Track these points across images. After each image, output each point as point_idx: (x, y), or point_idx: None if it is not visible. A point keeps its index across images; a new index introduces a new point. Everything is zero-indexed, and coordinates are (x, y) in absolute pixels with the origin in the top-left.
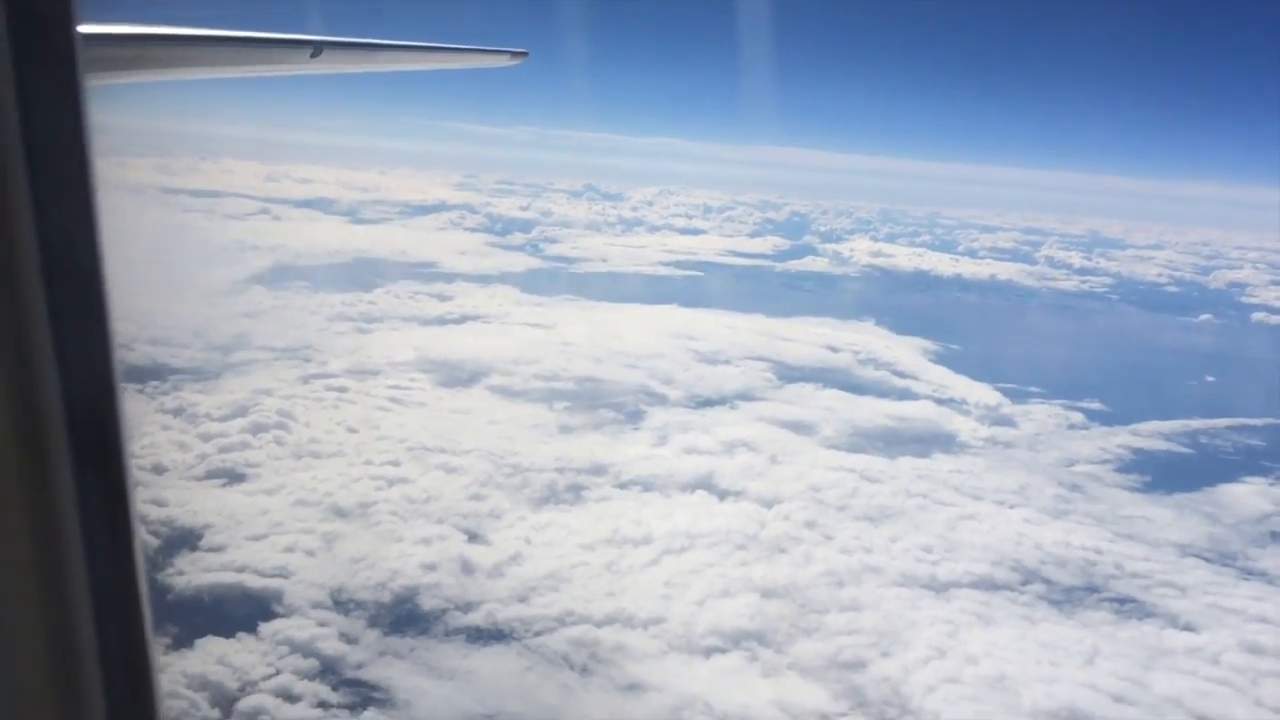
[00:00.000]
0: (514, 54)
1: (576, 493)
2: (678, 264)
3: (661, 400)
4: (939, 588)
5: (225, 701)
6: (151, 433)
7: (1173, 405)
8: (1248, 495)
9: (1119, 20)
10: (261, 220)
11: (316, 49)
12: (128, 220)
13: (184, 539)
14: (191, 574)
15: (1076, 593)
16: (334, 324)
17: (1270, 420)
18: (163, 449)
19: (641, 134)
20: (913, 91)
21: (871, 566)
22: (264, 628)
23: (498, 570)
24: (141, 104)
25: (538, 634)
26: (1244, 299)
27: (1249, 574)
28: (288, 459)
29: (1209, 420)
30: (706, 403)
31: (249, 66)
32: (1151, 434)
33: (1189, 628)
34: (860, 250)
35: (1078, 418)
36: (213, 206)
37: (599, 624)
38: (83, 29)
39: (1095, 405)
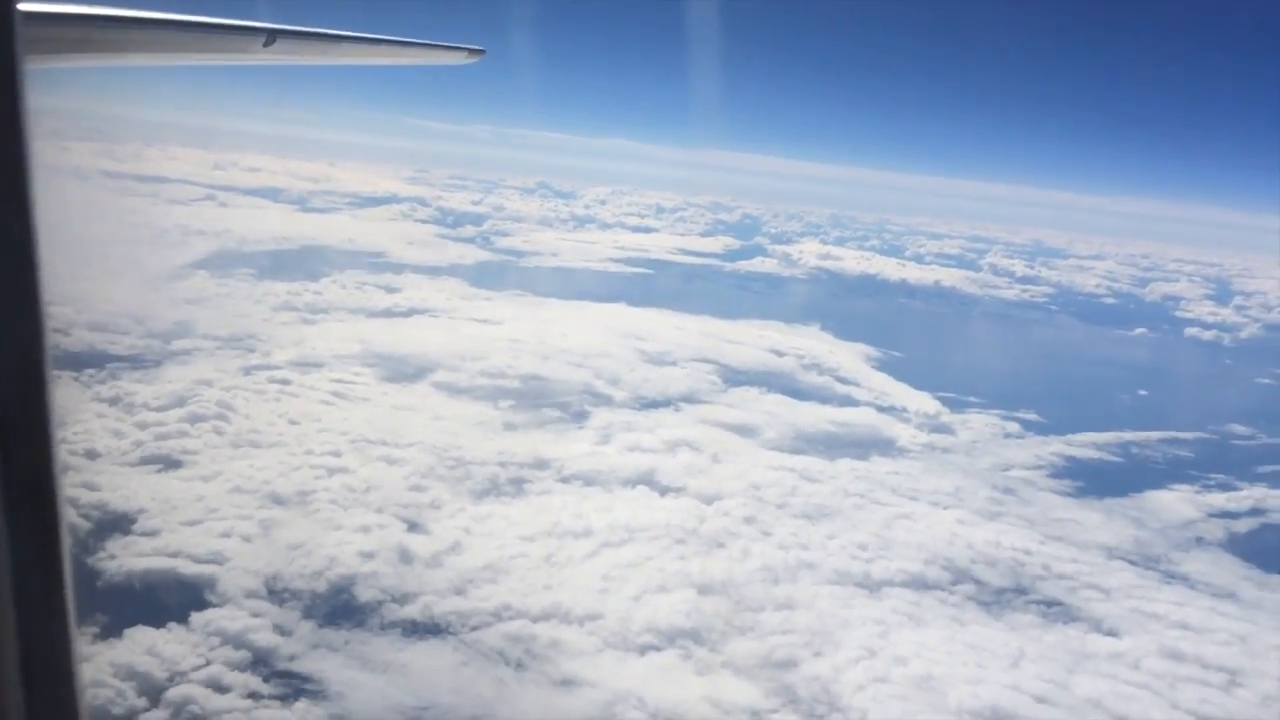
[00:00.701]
0: (471, 51)
1: (518, 486)
2: (629, 260)
3: (607, 400)
4: (872, 586)
5: (153, 692)
6: (86, 420)
7: (1106, 417)
8: (1174, 502)
9: (1070, 40)
10: (207, 206)
11: (270, 38)
12: (69, 204)
13: (115, 523)
14: (123, 559)
15: (1005, 594)
16: (278, 314)
17: (1199, 434)
18: (97, 435)
19: (597, 135)
20: (868, 102)
21: (807, 563)
22: (196, 617)
23: (436, 560)
24: (85, 87)
25: (474, 628)
26: (1178, 313)
27: (1171, 578)
28: (226, 448)
29: (1141, 432)
30: (651, 404)
31: (199, 53)
32: (1084, 444)
33: (1112, 632)
34: (809, 252)
35: (1014, 427)
36: (157, 192)
37: (535, 619)
38: (23, 7)
39: (1031, 415)
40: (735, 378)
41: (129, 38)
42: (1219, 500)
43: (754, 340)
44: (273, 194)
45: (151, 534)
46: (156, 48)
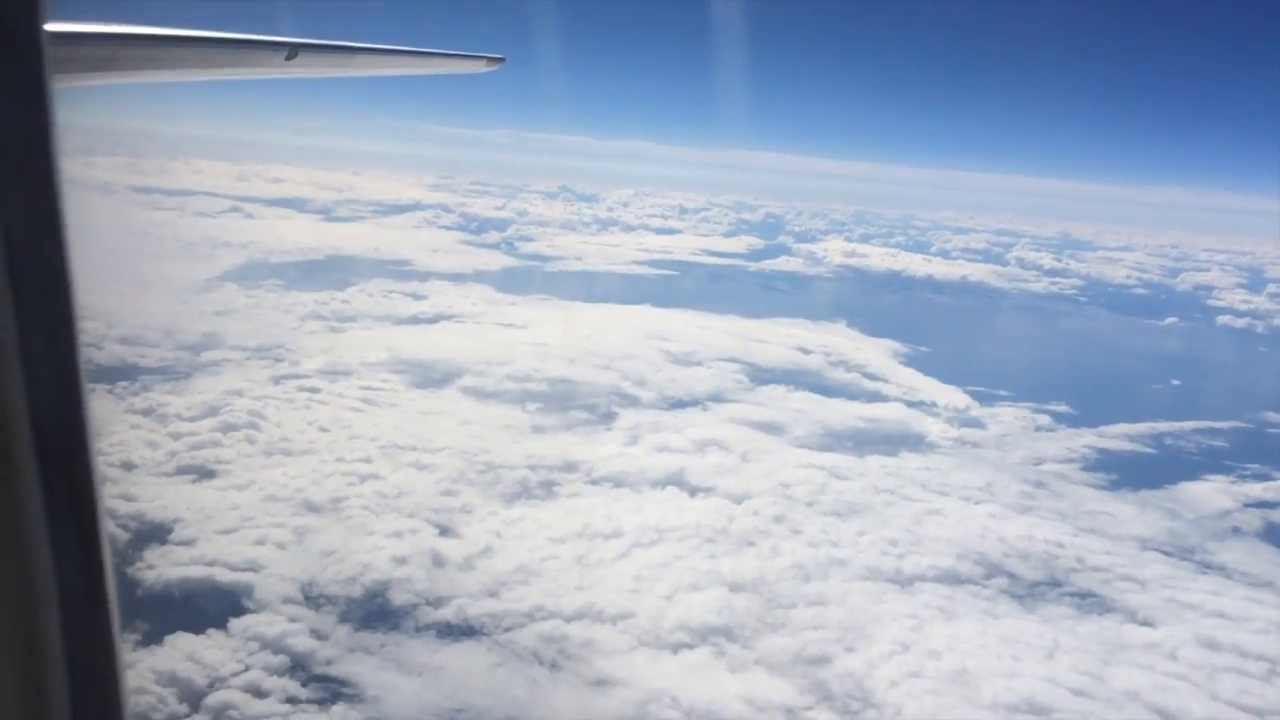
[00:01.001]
0: (490, 59)
1: (548, 489)
2: (652, 263)
3: (634, 401)
4: (904, 581)
5: (194, 698)
6: (120, 432)
7: (1138, 408)
8: (1209, 492)
9: (1092, 29)
10: (233, 218)
11: (292, 51)
12: (97, 219)
13: (153, 533)
14: (161, 568)
15: (1039, 587)
16: (306, 323)
17: (1234, 423)
18: (131, 447)
19: (618, 137)
20: (890, 97)
21: (838, 560)
22: (234, 623)
23: (468, 564)
24: (112, 104)
25: (507, 629)
26: (1210, 301)
27: (1207, 568)
28: (258, 456)
29: (1174, 423)
30: (678, 404)
31: (223, 68)
32: (1117, 435)
33: (1147, 623)
34: (834, 250)
35: (1045, 420)
36: (183, 205)
37: (568, 619)
38: (51, 27)
39: (1062, 408)
40: (762, 376)
41: (154, 55)
42: (1255, 490)
43: (780, 339)
44: (298, 204)
45: (188, 543)
46: (181, 64)
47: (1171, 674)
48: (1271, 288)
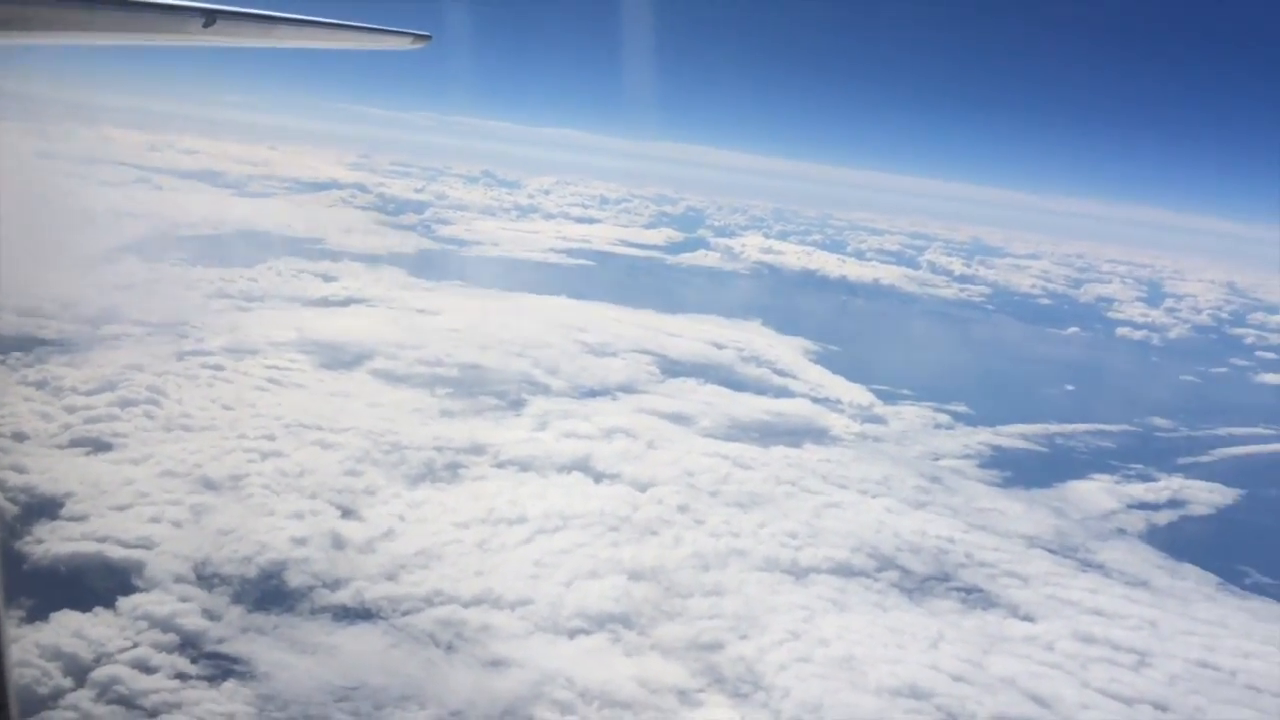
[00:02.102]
0: (417, 36)
1: (454, 471)
2: (571, 251)
3: (545, 389)
4: (799, 572)
5: (79, 672)
6: (12, 403)
7: (1034, 410)
8: (1095, 492)
9: (1014, 40)
10: (141, 189)
11: (209, 18)
12: None
13: (43, 507)
14: (50, 543)
15: (928, 581)
16: (212, 300)
17: (1123, 426)
18: (23, 418)
19: (543, 124)
20: (814, 96)
21: (738, 550)
22: (123, 602)
23: (369, 546)
24: (18, 65)
25: (405, 613)
26: (1111, 313)
27: (1088, 566)
28: (157, 431)
29: (1066, 425)
30: (589, 393)
31: (137, 33)
32: (1012, 435)
33: (1028, 617)
34: (752, 246)
35: (944, 418)
36: (89, 173)
37: (466, 604)
38: None
39: (962, 408)
40: (674, 369)
41: (64, 16)
42: (1138, 491)
43: (694, 333)
44: (210, 177)
45: (79, 518)
46: (92, 26)
47: (1047, 663)
48: (1169, 302)
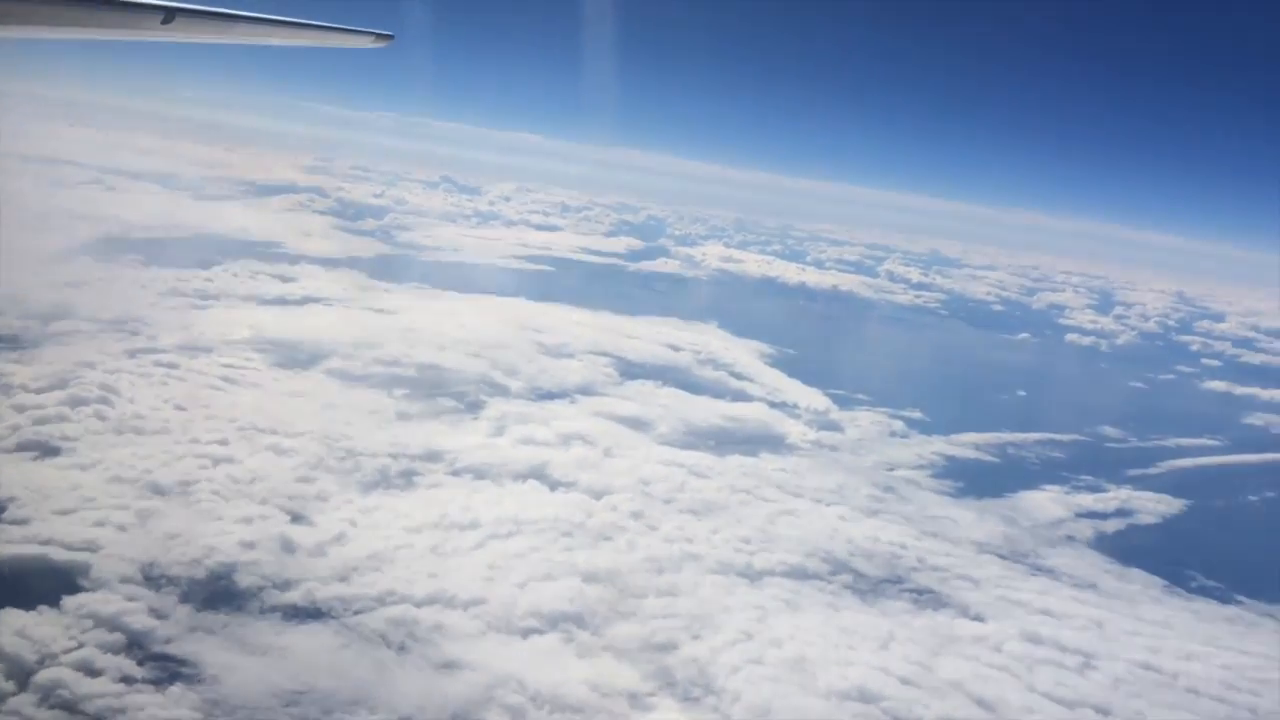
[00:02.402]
0: (379, 36)
1: (408, 478)
2: (531, 258)
3: (503, 391)
4: (753, 576)
5: (21, 675)
6: None
7: (987, 418)
8: (1045, 501)
9: (971, 53)
10: (94, 190)
11: (168, 15)
12: None
13: None
14: None
15: (880, 584)
16: (166, 299)
17: (1073, 435)
18: None
19: (503, 127)
20: (779, 108)
21: (691, 555)
22: (67, 601)
23: (319, 550)
24: None
25: (356, 613)
26: (1062, 320)
27: (1038, 570)
28: (108, 434)
29: (1018, 434)
30: (547, 395)
31: (94, 29)
32: (965, 444)
33: (978, 617)
34: (712, 255)
35: (899, 425)
36: (40, 172)
37: (419, 604)
38: None
39: (917, 414)
40: (631, 371)
41: (20, 10)
42: (1087, 500)
43: (651, 335)
44: (164, 179)
45: (21, 522)
46: (51, 21)
47: (994, 665)
48: (1119, 309)
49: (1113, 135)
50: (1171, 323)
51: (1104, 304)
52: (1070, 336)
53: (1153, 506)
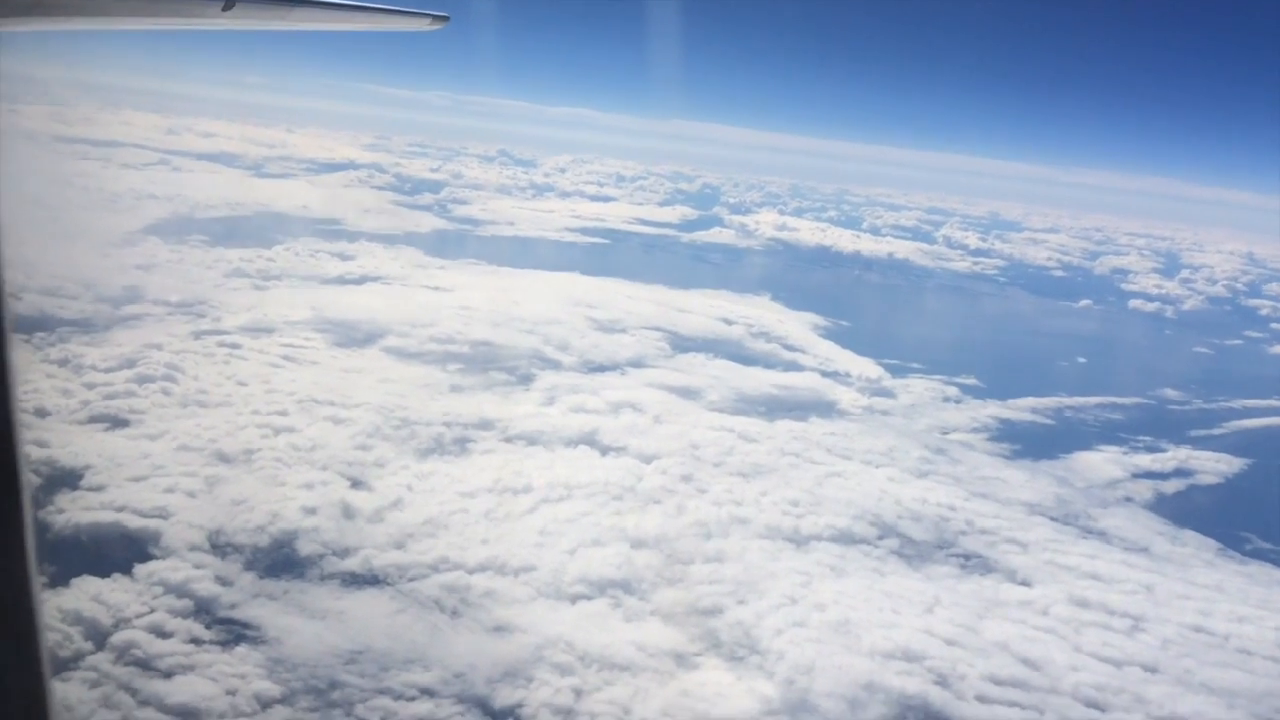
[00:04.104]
0: (435, 18)
1: (462, 445)
2: (585, 230)
3: (554, 365)
4: (800, 540)
5: (99, 636)
6: (35, 380)
7: (1044, 384)
8: (1100, 462)
9: (1031, 13)
10: (160, 171)
11: (228, 2)
12: (21, 169)
13: (64, 479)
14: (71, 512)
15: (927, 547)
16: (230, 279)
17: (1133, 398)
18: (46, 395)
19: (560, 104)
20: (833, 73)
21: (739, 518)
22: (140, 569)
23: (377, 515)
24: (40, 51)
25: (411, 580)
26: (1125, 285)
27: (1089, 533)
28: (174, 407)
29: (1076, 398)
30: (598, 368)
31: (156, 18)
32: (1020, 408)
33: (1025, 582)
34: (766, 223)
35: (953, 391)
36: (110, 156)
37: (471, 571)
38: None
39: (972, 381)
40: (683, 344)
41: (85, 2)
42: (1144, 461)
43: (705, 309)
44: (227, 159)
45: (98, 489)
46: (112, 11)
47: (1041, 628)
48: (1185, 273)
49: (1181, 86)
50: (1240, 286)
51: (1170, 267)
52: (1134, 303)
53: (1213, 466)
